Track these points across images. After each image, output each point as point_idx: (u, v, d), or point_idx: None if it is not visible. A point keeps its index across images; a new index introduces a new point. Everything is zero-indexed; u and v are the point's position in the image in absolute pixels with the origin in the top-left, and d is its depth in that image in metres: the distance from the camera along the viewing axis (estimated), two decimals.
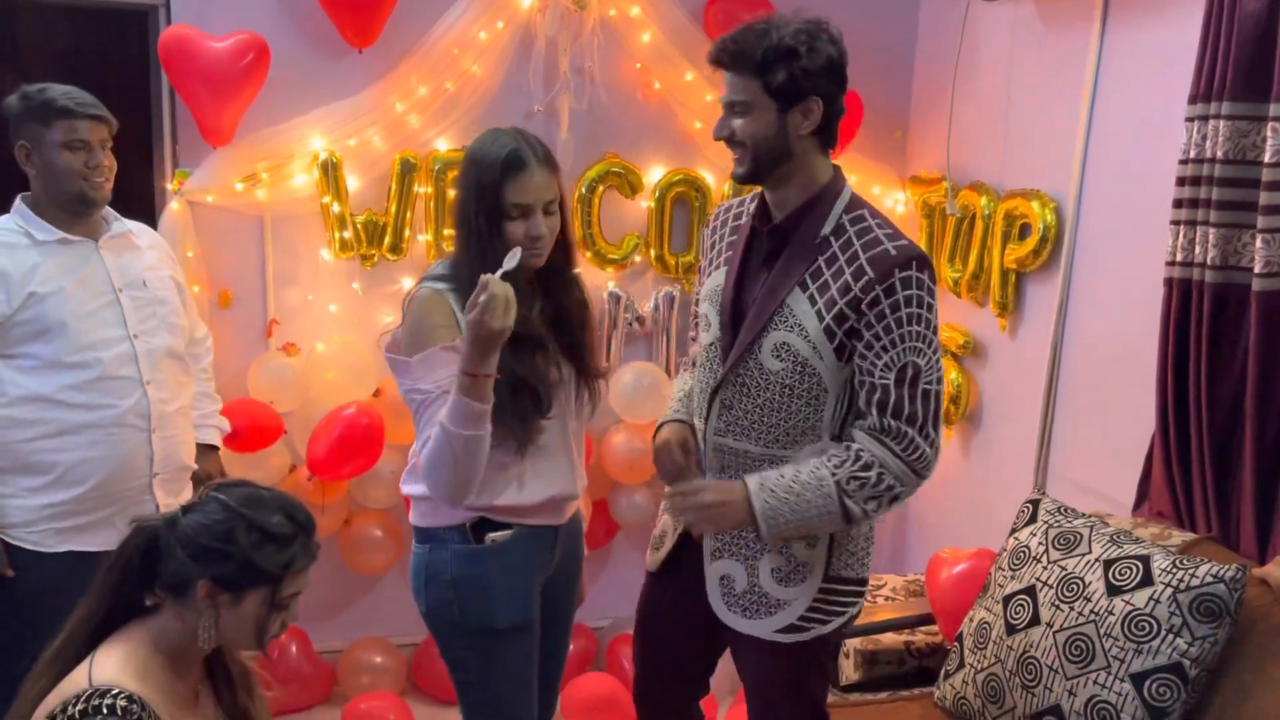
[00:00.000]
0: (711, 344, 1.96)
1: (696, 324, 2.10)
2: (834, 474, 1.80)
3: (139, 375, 2.32)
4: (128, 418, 2.31)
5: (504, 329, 1.71)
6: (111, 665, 1.50)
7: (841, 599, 1.99)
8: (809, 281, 1.84)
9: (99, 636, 1.55)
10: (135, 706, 1.45)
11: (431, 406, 1.83)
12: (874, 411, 1.82)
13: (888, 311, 1.78)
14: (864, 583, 2.03)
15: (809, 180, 1.87)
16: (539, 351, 1.92)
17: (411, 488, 2.02)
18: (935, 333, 1.84)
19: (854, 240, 1.83)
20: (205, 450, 2.62)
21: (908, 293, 1.78)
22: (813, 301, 1.83)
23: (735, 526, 1.88)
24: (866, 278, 1.79)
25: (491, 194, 1.84)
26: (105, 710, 1.43)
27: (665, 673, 2.23)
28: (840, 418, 1.90)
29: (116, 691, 1.45)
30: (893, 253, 1.79)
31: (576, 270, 2.07)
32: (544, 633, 2.11)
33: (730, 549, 1.98)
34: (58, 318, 2.23)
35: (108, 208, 2.39)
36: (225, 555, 1.53)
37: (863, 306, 1.79)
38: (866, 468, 1.80)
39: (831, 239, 1.84)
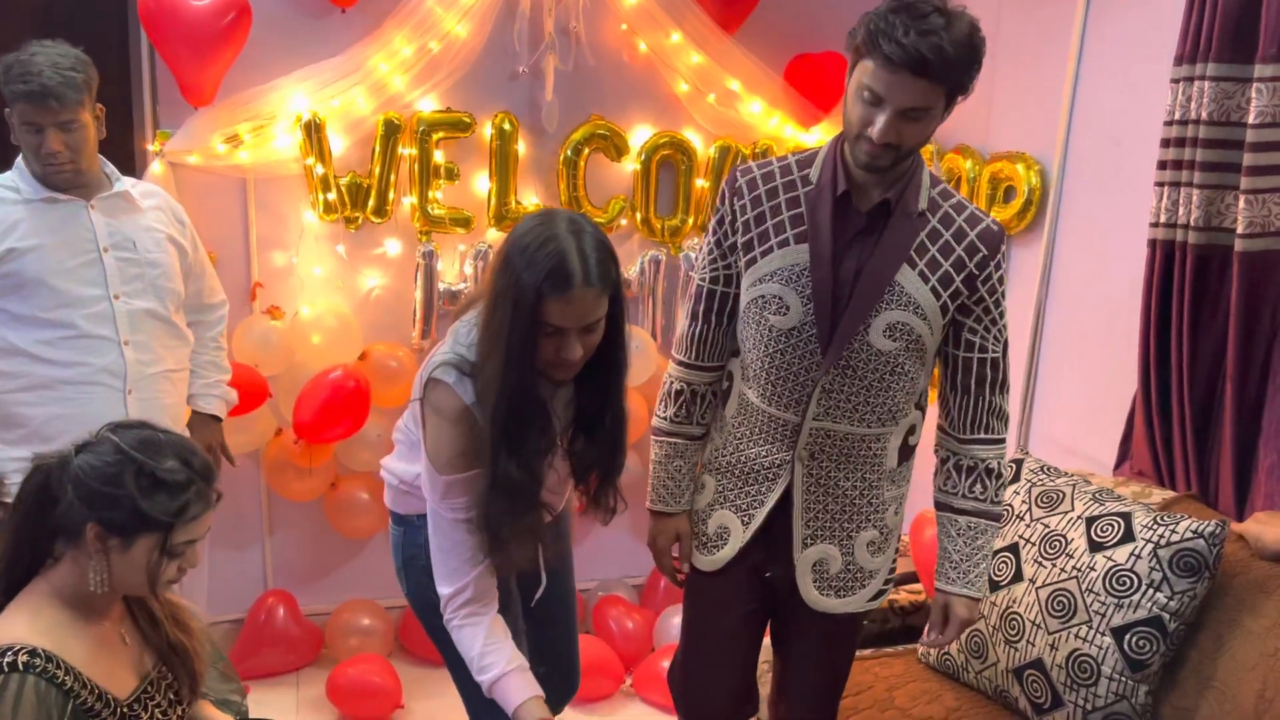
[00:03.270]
0: (794, 328, 1.81)
1: (748, 306, 1.88)
2: (991, 507, 1.91)
3: (116, 335, 2.32)
4: (101, 376, 2.31)
5: None
6: (18, 623, 1.48)
7: (896, 559, 2.03)
8: (916, 257, 1.78)
9: (10, 586, 1.53)
10: (39, 660, 1.43)
11: (444, 529, 1.80)
12: (985, 390, 1.86)
13: (997, 285, 1.83)
14: None
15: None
16: (528, 509, 1.80)
17: (389, 471, 1.99)
18: None
19: (953, 214, 1.81)
20: (205, 419, 2.61)
21: (1005, 266, 1.86)
22: (924, 278, 1.78)
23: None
24: (982, 254, 1.79)
25: (529, 304, 1.64)
26: (6, 668, 1.41)
27: (735, 680, 2.08)
28: (923, 388, 1.92)
29: (18, 648, 1.43)
30: (994, 228, 1.82)
31: (622, 383, 1.86)
32: (542, 618, 2.09)
33: (825, 533, 1.92)
34: (35, 274, 2.24)
35: (109, 165, 2.38)
36: (113, 499, 1.48)
37: (977, 282, 1.80)
38: (999, 475, 1.91)
39: (928, 213, 1.80)
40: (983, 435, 1.89)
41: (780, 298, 1.81)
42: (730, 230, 1.89)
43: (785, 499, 1.91)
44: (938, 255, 1.79)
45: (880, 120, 1.66)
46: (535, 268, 1.63)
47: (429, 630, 2.05)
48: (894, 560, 2.00)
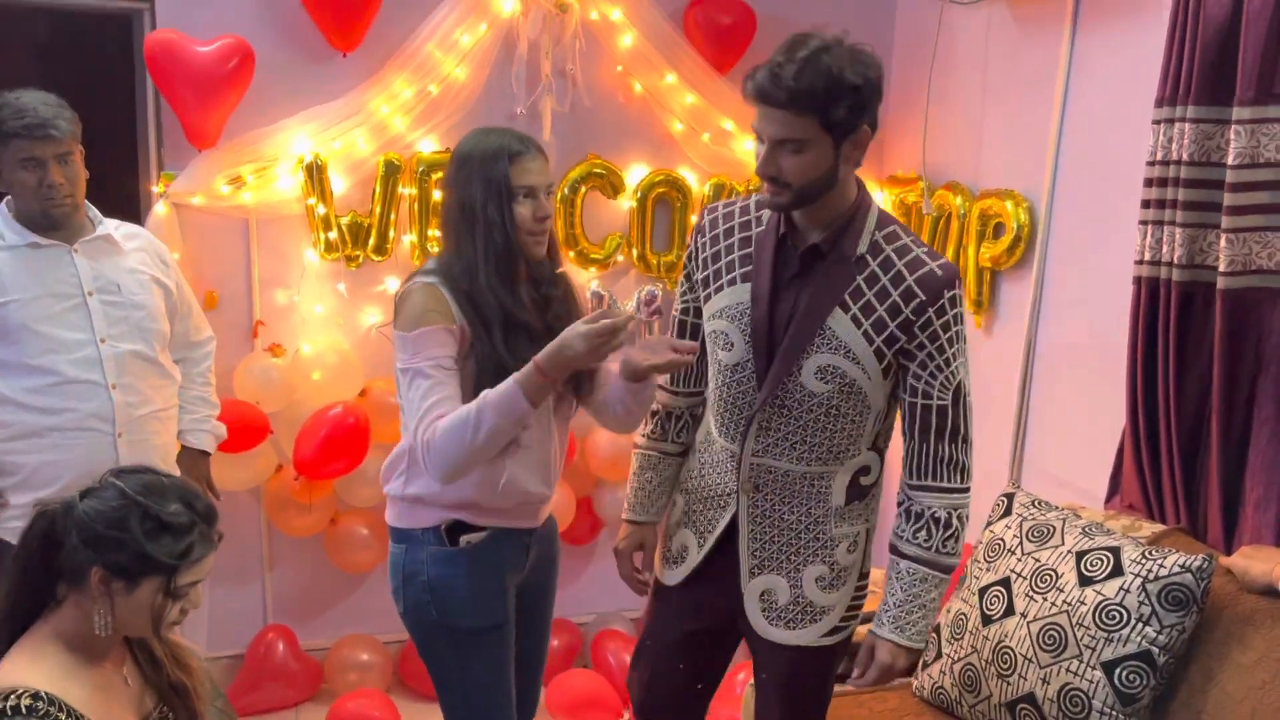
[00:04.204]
0: (737, 364, 1.88)
1: (708, 338, 1.96)
2: (936, 557, 1.86)
3: (104, 379, 2.31)
4: (90, 421, 2.30)
5: (597, 359, 1.82)
6: (20, 667, 1.49)
7: (863, 593, 2.03)
8: (850, 302, 1.79)
9: (14, 630, 1.54)
10: (41, 704, 1.44)
11: (419, 380, 1.86)
12: (930, 438, 1.84)
13: (940, 332, 1.79)
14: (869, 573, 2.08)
15: (842, 199, 1.80)
16: (531, 341, 1.91)
17: (391, 486, 2.04)
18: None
19: (894, 259, 1.79)
20: (194, 454, 2.62)
21: (954, 311, 1.80)
22: (857, 323, 1.79)
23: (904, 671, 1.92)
24: (918, 300, 1.77)
25: (500, 175, 1.88)
26: (9, 712, 1.41)
27: (677, 690, 2.14)
28: (877, 430, 1.91)
29: (21, 691, 1.44)
30: (939, 273, 1.79)
31: (561, 269, 2.09)
32: (523, 631, 2.15)
33: (771, 564, 1.94)
34: (19, 321, 2.24)
35: (93, 209, 2.39)
36: (118, 543, 1.50)
37: (915, 328, 1.78)
38: (948, 525, 1.86)
39: (869, 257, 1.80)
40: (931, 483, 1.86)
41: (726, 334, 1.89)
42: (694, 266, 2.00)
43: (734, 529, 1.96)
44: (873, 300, 1.79)
45: (761, 153, 1.73)
46: (490, 149, 1.91)
47: (422, 649, 2.09)
48: (855, 598, 1.99)
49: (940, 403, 1.83)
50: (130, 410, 2.36)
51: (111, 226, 2.41)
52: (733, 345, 1.88)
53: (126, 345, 2.35)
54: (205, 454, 2.66)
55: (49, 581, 1.56)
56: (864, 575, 2.01)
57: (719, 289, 1.91)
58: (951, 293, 1.79)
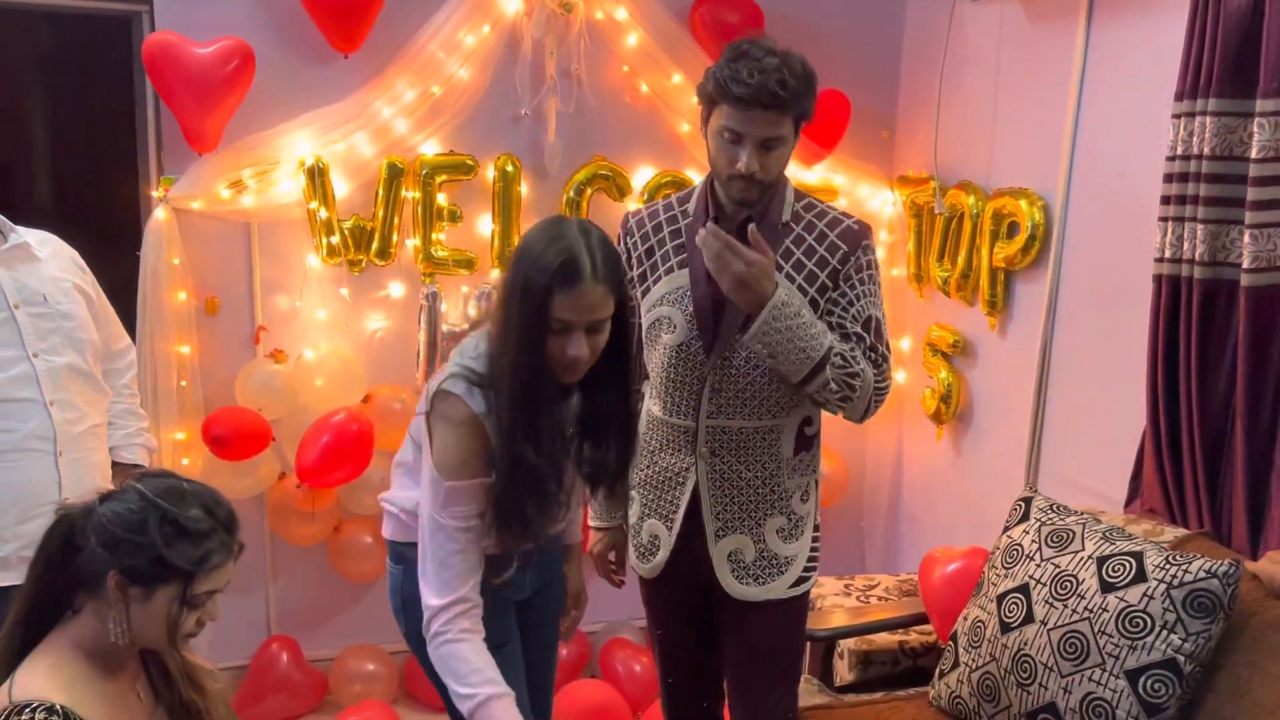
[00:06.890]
0: (682, 344, 2.04)
1: (648, 330, 2.11)
2: (833, 345, 1.97)
3: (41, 396, 2.16)
4: (29, 441, 2.14)
5: None
6: (36, 678, 1.46)
7: (817, 544, 2.19)
8: (781, 263, 2.00)
9: (32, 637, 1.51)
10: (56, 717, 1.41)
11: (441, 537, 1.79)
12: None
13: (853, 274, 2.03)
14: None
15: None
16: (558, 470, 1.84)
17: (390, 501, 1.99)
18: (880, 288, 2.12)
19: (816, 222, 2.04)
20: (128, 470, 2.41)
21: (868, 257, 2.05)
22: (791, 279, 2.00)
23: (744, 303, 1.90)
24: (842, 250, 2.02)
25: (538, 299, 1.69)
26: None
27: (693, 675, 2.31)
28: None
29: (36, 704, 1.41)
30: (855, 227, 2.05)
31: (635, 389, 2.04)
32: (530, 645, 2.10)
33: (734, 524, 2.09)
34: None
35: (1, 218, 2.23)
36: (136, 547, 1.47)
37: (840, 277, 2.02)
38: (855, 361, 2.00)
39: (792, 224, 2.03)
40: (873, 367, 2.03)
41: (669, 318, 2.06)
42: (627, 267, 2.08)
43: (696, 500, 2.09)
44: (802, 258, 2.02)
45: (744, 155, 1.90)
46: (544, 262, 1.69)
47: (427, 669, 2.03)
48: (813, 549, 2.16)
49: (854, 330, 2.03)
50: (69, 427, 2.20)
51: (24, 234, 2.26)
52: (675, 326, 2.05)
53: (61, 359, 2.20)
54: (140, 468, 2.47)
55: (67, 587, 1.53)
56: (817, 527, 2.18)
57: (656, 280, 2.09)
58: (866, 241, 2.05)
